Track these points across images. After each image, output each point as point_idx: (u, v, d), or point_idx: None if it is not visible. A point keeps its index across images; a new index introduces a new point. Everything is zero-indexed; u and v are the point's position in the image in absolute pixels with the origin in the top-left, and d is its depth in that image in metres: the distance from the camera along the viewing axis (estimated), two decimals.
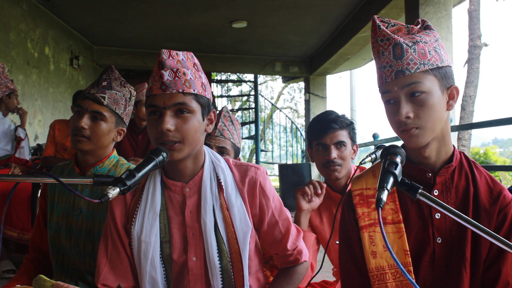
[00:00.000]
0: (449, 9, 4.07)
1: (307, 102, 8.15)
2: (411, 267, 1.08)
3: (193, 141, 1.20)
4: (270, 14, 5.66)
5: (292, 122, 9.79)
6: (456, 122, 5.85)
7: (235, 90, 15.86)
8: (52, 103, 5.79)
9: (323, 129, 1.73)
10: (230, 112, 1.94)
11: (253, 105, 9.60)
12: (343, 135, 1.73)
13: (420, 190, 0.93)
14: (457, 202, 1.11)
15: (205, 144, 1.37)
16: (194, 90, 1.20)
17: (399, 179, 0.96)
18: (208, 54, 7.45)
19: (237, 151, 1.92)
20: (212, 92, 1.32)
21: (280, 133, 10.63)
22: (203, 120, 1.24)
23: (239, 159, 1.91)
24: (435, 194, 1.11)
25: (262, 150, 9.51)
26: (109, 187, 1.02)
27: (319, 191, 1.73)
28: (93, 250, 1.52)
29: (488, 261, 1.08)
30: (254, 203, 1.30)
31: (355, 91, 9.95)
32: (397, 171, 0.96)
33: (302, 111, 16.33)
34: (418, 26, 1.12)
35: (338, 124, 1.73)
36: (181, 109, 1.18)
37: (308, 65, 8.00)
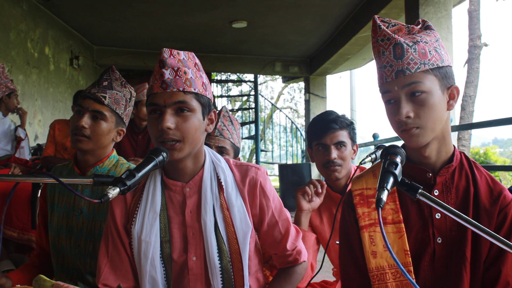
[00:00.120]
0: (449, 9, 4.07)
1: (307, 102, 8.15)
2: (411, 267, 1.08)
3: (193, 140, 1.20)
4: (270, 14, 5.66)
5: (292, 122, 9.79)
6: (456, 122, 5.85)
7: (235, 90, 15.87)
8: (52, 103, 5.79)
9: (323, 129, 1.73)
10: (230, 112, 1.94)
11: (253, 105, 9.60)
12: (343, 135, 1.73)
13: (420, 190, 0.93)
14: (457, 202, 1.11)
15: (205, 144, 1.37)
16: (194, 89, 1.20)
17: (399, 179, 0.96)
18: (208, 54, 7.45)
19: (236, 151, 1.92)
20: (212, 92, 1.32)
21: (280, 133, 10.63)
22: (204, 119, 1.24)
23: (239, 159, 1.91)
24: (435, 194, 1.11)
25: (262, 150, 9.51)
26: (109, 187, 1.02)
27: (320, 190, 1.73)
28: (94, 250, 1.52)
29: (488, 261, 1.08)
30: (254, 203, 1.30)
31: (355, 91, 9.95)
32: (397, 171, 0.96)
33: (302, 111, 16.34)
34: (419, 26, 1.12)
35: (338, 124, 1.73)
36: (182, 107, 1.18)
37: (308, 65, 8.00)
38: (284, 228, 1.34)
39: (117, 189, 1.02)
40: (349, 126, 1.77)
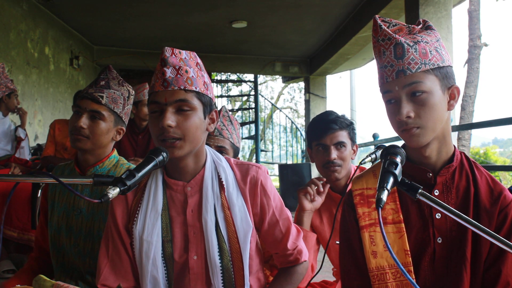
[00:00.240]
0: (449, 9, 4.07)
1: (307, 102, 8.15)
2: (412, 267, 1.08)
3: (193, 139, 1.20)
4: (270, 14, 5.66)
5: (292, 122, 9.79)
6: (456, 122, 5.85)
7: (235, 90, 15.86)
8: (52, 103, 5.79)
9: (323, 130, 1.73)
10: (229, 112, 1.94)
11: (253, 105, 9.60)
12: (343, 136, 1.73)
13: (420, 190, 0.93)
14: (457, 202, 1.11)
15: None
16: (196, 88, 1.20)
17: (399, 179, 0.96)
18: (208, 54, 7.45)
19: (236, 150, 1.92)
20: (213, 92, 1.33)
21: (280, 133, 10.63)
22: (205, 118, 1.24)
23: (238, 159, 1.91)
24: (436, 194, 1.11)
25: (262, 150, 9.52)
26: (109, 187, 1.02)
27: (321, 190, 1.73)
28: (92, 250, 1.52)
29: (488, 261, 1.08)
30: (255, 202, 1.30)
31: (355, 91, 9.95)
32: (397, 171, 0.96)
33: (302, 111, 16.34)
34: (419, 26, 1.12)
35: (338, 125, 1.73)
36: (183, 106, 1.18)
37: (308, 65, 8.00)
38: (285, 227, 1.34)
39: (117, 189, 1.02)
40: (349, 126, 1.76)
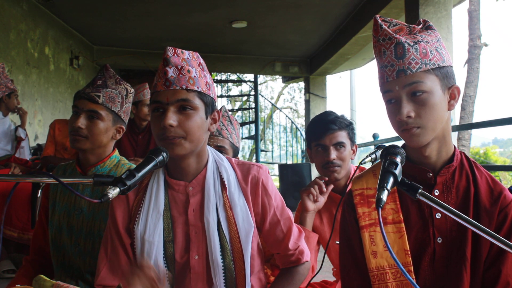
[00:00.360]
0: (449, 9, 4.07)
1: (307, 102, 8.15)
2: (412, 267, 1.08)
3: (195, 138, 1.20)
4: (270, 14, 5.66)
5: (292, 122, 9.79)
6: (456, 122, 5.85)
7: (235, 90, 15.86)
8: (52, 103, 5.79)
9: (322, 130, 1.73)
10: (229, 112, 1.95)
11: (253, 105, 9.60)
12: (342, 136, 1.73)
13: (420, 190, 0.93)
14: (457, 202, 1.11)
15: None
16: (198, 88, 1.21)
17: (399, 179, 0.96)
18: (208, 54, 7.44)
19: (235, 150, 1.92)
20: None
21: (280, 133, 10.63)
22: (207, 118, 1.24)
23: (238, 159, 1.92)
24: (436, 194, 1.11)
25: (262, 150, 9.51)
26: (109, 187, 1.02)
27: (324, 190, 1.73)
28: (93, 249, 1.52)
29: (488, 261, 1.08)
30: (256, 202, 1.30)
31: (355, 91, 9.94)
32: (397, 171, 0.96)
33: (302, 111, 16.33)
34: (420, 26, 1.12)
35: (337, 125, 1.73)
36: (184, 105, 1.18)
37: (308, 65, 8.00)
38: (286, 227, 1.34)
39: (117, 189, 1.02)
40: (348, 126, 1.76)
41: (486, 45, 9.45)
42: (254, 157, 9.37)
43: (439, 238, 1.10)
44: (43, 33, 5.48)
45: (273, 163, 10.56)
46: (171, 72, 1.19)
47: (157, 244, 1.23)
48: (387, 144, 1.14)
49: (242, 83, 12.81)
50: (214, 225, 1.24)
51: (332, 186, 1.75)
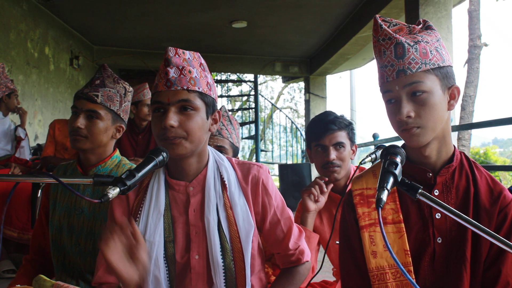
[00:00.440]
0: (449, 9, 4.07)
1: (307, 102, 8.15)
2: (411, 267, 1.08)
3: (196, 139, 1.20)
4: (270, 14, 5.66)
5: (292, 122, 9.79)
6: (456, 122, 5.85)
7: (235, 90, 15.85)
8: (52, 103, 5.79)
9: (322, 130, 1.73)
10: (228, 112, 1.95)
11: (253, 105, 9.60)
12: (341, 136, 1.73)
13: (420, 190, 0.93)
14: (457, 202, 1.11)
15: None
16: (199, 88, 1.21)
17: (399, 179, 0.96)
18: (208, 54, 7.44)
19: (235, 150, 1.93)
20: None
21: (280, 133, 10.63)
22: (207, 119, 1.24)
23: (238, 158, 1.92)
24: (436, 194, 1.11)
25: (262, 150, 9.51)
26: (109, 187, 1.02)
27: (325, 190, 1.73)
28: (94, 249, 1.53)
29: (488, 261, 1.08)
30: (257, 201, 1.30)
31: (355, 91, 9.94)
32: (397, 171, 0.96)
33: (302, 111, 16.33)
34: (420, 26, 1.12)
35: (337, 125, 1.73)
36: (185, 106, 1.19)
37: (308, 65, 8.00)
38: (287, 226, 1.34)
39: (117, 189, 1.02)
40: (348, 126, 1.76)
41: (486, 45, 9.45)
42: (254, 157, 9.37)
43: (439, 238, 1.10)
44: (43, 33, 5.48)
45: (273, 163, 10.56)
46: (172, 72, 1.19)
47: (158, 244, 1.23)
48: (387, 144, 1.14)
49: (242, 83, 12.82)
50: (214, 225, 1.24)
51: (331, 185, 1.75)
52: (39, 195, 2.64)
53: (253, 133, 9.69)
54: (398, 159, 0.99)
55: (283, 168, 6.81)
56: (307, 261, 1.39)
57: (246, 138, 9.86)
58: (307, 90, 8.17)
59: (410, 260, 1.08)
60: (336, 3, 5.31)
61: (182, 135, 1.18)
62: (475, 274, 1.08)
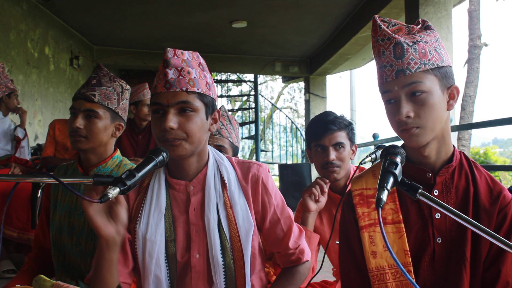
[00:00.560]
0: (449, 9, 4.07)
1: (307, 102, 8.15)
2: (411, 267, 1.09)
3: (195, 139, 1.21)
4: (270, 14, 5.66)
5: (292, 122, 9.79)
6: (456, 122, 5.85)
7: (235, 90, 15.85)
8: (52, 103, 5.80)
9: (322, 131, 1.73)
10: (228, 112, 1.95)
11: (253, 105, 9.60)
12: (341, 136, 1.73)
13: (420, 190, 0.93)
14: (457, 202, 1.11)
15: None
16: (198, 89, 1.21)
17: (399, 179, 0.96)
18: (208, 54, 7.44)
19: (235, 150, 1.93)
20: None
21: (280, 133, 10.64)
22: (207, 119, 1.25)
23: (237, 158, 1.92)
24: (435, 194, 1.11)
25: (262, 150, 9.52)
26: (109, 187, 1.02)
27: (325, 190, 1.73)
28: (94, 249, 1.52)
29: (488, 261, 1.08)
30: (257, 200, 1.31)
31: (355, 91, 9.94)
32: (397, 171, 0.96)
33: (302, 111, 16.33)
34: (419, 26, 1.12)
35: (337, 125, 1.73)
36: (185, 107, 1.19)
37: (308, 65, 8.00)
38: (287, 225, 1.35)
39: (117, 189, 1.02)
40: (348, 126, 1.76)
41: (486, 45, 9.46)
42: (254, 157, 9.37)
43: (439, 238, 1.10)
44: (43, 33, 5.48)
45: (273, 163, 10.56)
46: (171, 73, 1.19)
47: (159, 243, 1.24)
48: (387, 144, 1.14)
49: (242, 83, 12.81)
50: (214, 224, 1.24)
51: (329, 183, 1.75)
52: (39, 195, 2.65)
53: (253, 133, 9.69)
54: (398, 159, 0.99)
55: (283, 168, 6.81)
56: (307, 261, 1.40)
57: (246, 138, 9.86)
58: (307, 90, 8.18)
59: (410, 260, 1.09)
60: (336, 3, 5.31)
61: (182, 137, 1.18)
62: (475, 274, 1.08)
